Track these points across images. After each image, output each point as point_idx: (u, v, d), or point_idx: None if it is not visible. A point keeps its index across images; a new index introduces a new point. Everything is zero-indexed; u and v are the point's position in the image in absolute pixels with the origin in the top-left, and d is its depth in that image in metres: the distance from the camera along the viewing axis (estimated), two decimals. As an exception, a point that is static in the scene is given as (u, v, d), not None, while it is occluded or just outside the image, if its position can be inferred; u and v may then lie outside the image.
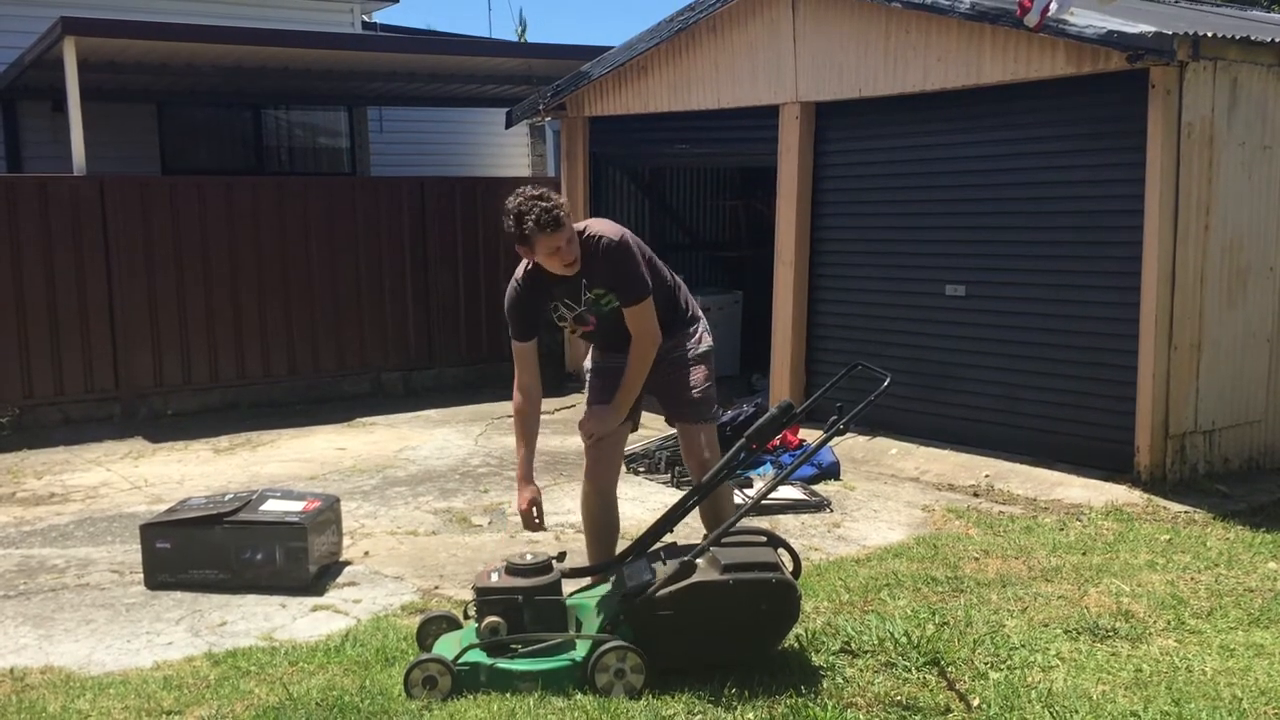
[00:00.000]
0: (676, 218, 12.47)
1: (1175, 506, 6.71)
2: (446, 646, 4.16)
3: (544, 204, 4.28)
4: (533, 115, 11.57)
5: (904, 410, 8.23)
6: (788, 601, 4.11)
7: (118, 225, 9.95)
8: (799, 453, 7.41)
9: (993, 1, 7.40)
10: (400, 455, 8.70)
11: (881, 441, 8.42)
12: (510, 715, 3.81)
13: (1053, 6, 6.71)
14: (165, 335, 10.22)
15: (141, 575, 5.68)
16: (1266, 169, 7.31)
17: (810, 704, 3.88)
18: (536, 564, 4.19)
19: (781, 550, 4.34)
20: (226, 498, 5.97)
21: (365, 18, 15.07)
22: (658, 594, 4.04)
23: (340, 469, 8.26)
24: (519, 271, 4.59)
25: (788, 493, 6.97)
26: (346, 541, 6.22)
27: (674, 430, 7.39)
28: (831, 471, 7.65)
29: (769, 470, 7.46)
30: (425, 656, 4.08)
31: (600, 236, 4.48)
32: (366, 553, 6.20)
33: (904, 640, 4.42)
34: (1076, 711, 3.86)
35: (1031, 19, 6.80)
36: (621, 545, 4.74)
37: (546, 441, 8.54)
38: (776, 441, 6.99)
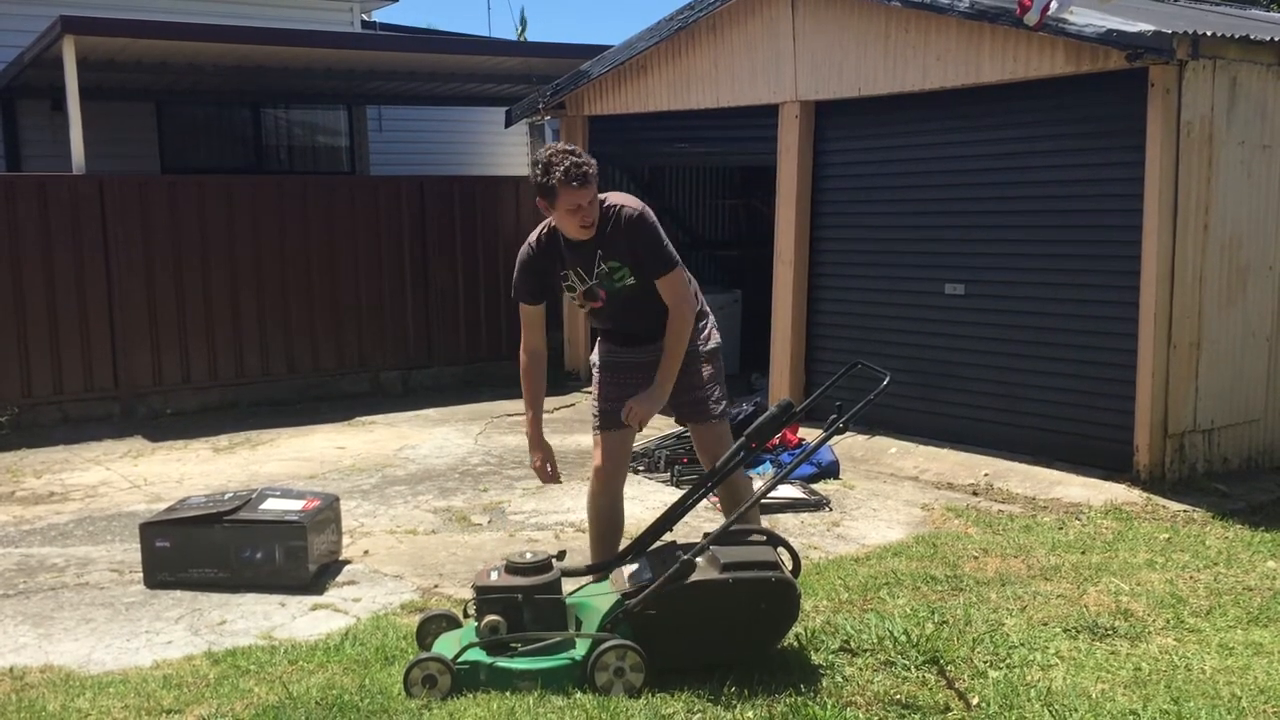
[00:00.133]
0: (676, 217, 12.47)
1: (1174, 505, 6.71)
2: (446, 645, 4.16)
3: (574, 159, 4.30)
4: (532, 114, 11.57)
5: (903, 409, 8.24)
6: (787, 600, 4.11)
7: (117, 224, 9.95)
8: (798, 451, 7.40)
9: (992, 0, 7.40)
10: (399, 454, 8.70)
11: (881, 440, 8.42)
12: (510, 714, 3.81)
13: (1052, 5, 6.72)
14: (164, 334, 10.22)
15: (141, 574, 5.68)
16: (1265, 168, 7.31)
17: (810, 703, 3.88)
18: (536, 562, 4.19)
19: (781, 549, 4.35)
20: (226, 496, 5.97)
21: (365, 16, 15.06)
22: (657, 593, 4.04)
23: (339, 468, 8.26)
24: (533, 235, 4.60)
25: (787, 491, 6.97)
26: (346, 540, 6.22)
27: (673, 430, 7.36)
28: (831, 470, 7.66)
29: (768, 469, 7.46)
30: (425, 655, 4.08)
31: (621, 207, 4.46)
32: (366, 551, 6.20)
33: (903, 639, 4.42)
34: (1075, 710, 3.86)
35: (1031, 18, 6.80)
36: (622, 544, 4.74)
37: (545, 439, 8.48)
38: (776, 440, 6.99)
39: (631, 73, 10.42)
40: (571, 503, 7.12)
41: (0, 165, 12.42)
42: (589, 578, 4.56)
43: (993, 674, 4.18)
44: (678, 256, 4.54)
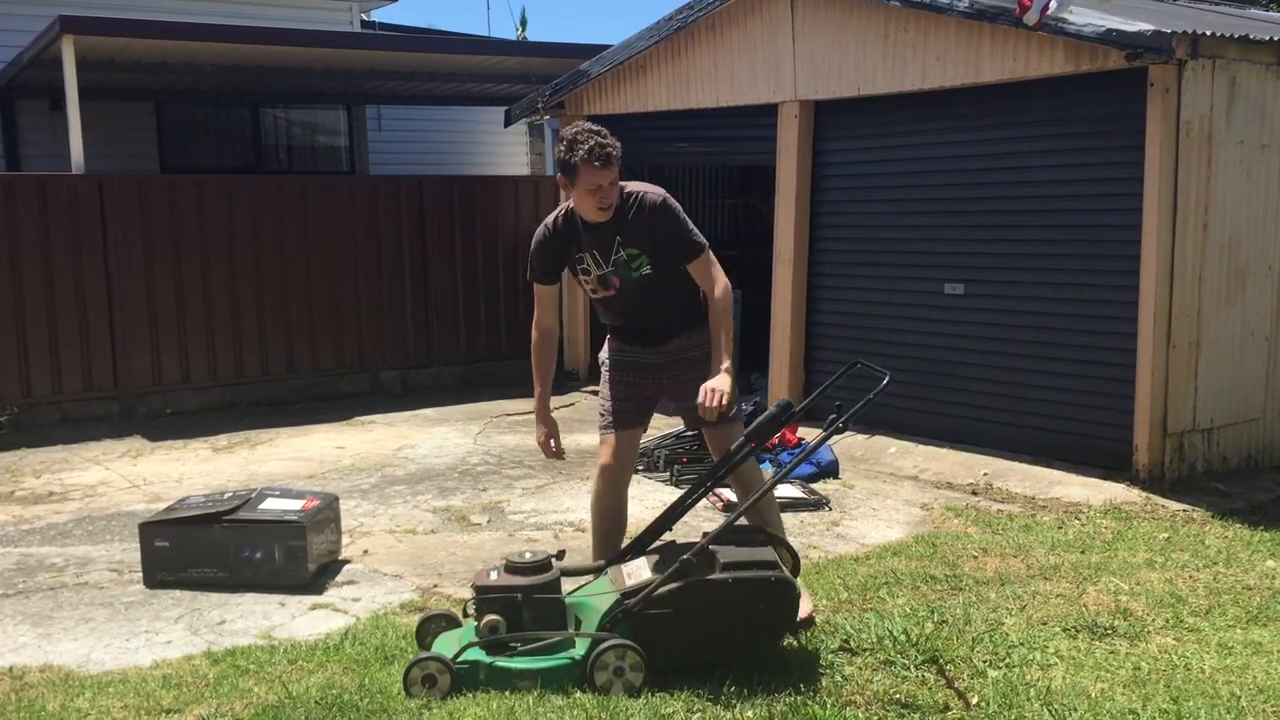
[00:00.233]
0: (675, 216, 12.45)
1: (1174, 505, 6.72)
2: (446, 645, 4.16)
3: (600, 139, 4.30)
4: (531, 114, 11.57)
5: (903, 409, 8.24)
6: (787, 600, 4.12)
7: (116, 224, 9.94)
8: (798, 451, 7.40)
9: (991, 0, 7.40)
10: (399, 454, 8.70)
11: (880, 440, 8.42)
12: (509, 713, 3.81)
13: (1052, 5, 6.72)
14: (164, 334, 10.22)
15: (140, 574, 5.68)
16: (1265, 167, 7.32)
17: (809, 702, 3.88)
18: (535, 562, 4.19)
19: (780, 548, 4.35)
20: (225, 496, 5.96)
21: (364, 16, 15.05)
22: (656, 592, 4.04)
23: (339, 467, 8.26)
24: (550, 216, 4.60)
25: (787, 491, 6.97)
26: (345, 540, 6.22)
27: (673, 430, 7.35)
28: (830, 470, 7.66)
29: (768, 469, 7.45)
30: (424, 655, 4.08)
31: (644, 194, 4.46)
32: (365, 551, 6.20)
33: (903, 638, 4.42)
34: (1075, 709, 3.86)
35: (1031, 17, 6.80)
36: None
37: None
38: (775, 440, 6.99)
39: (631, 72, 10.42)
40: (570, 502, 7.12)
41: (0, 165, 12.43)
42: (588, 577, 4.56)
43: (992, 673, 4.18)
44: (704, 239, 4.52)
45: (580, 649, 4.04)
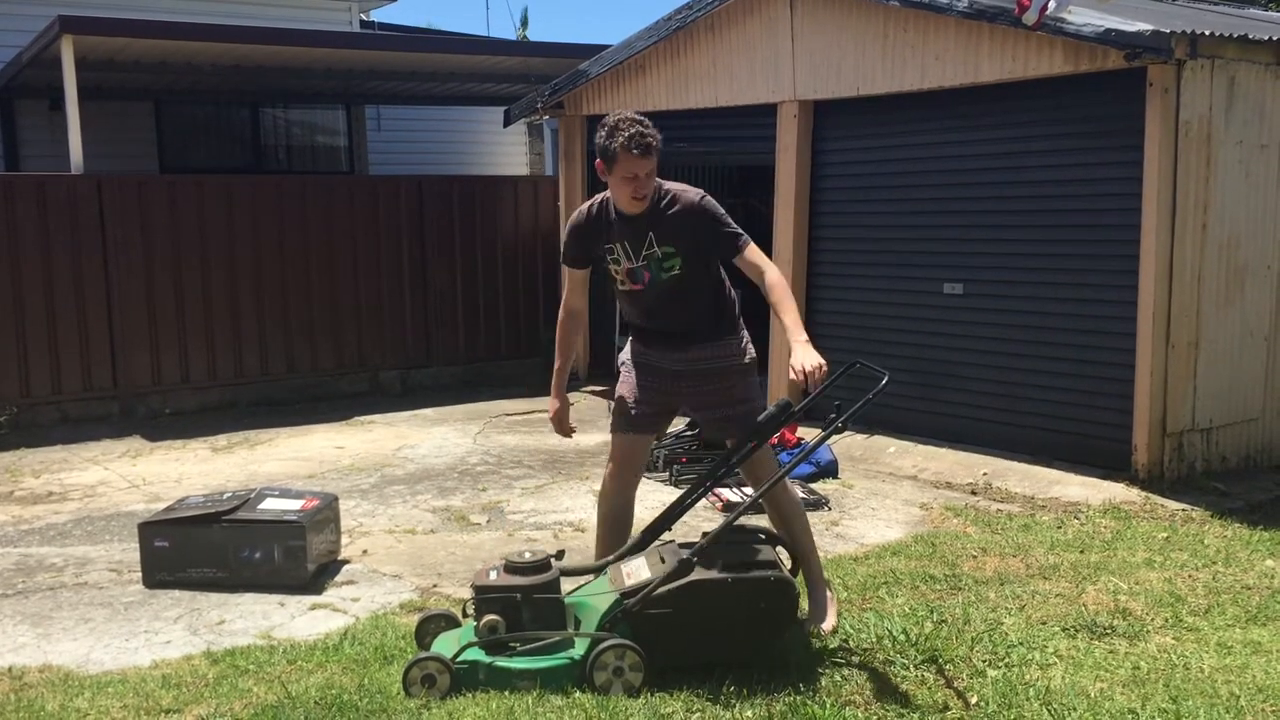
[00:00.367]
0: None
1: (1173, 504, 6.72)
2: (445, 645, 4.16)
3: (641, 127, 4.29)
4: (531, 114, 11.57)
5: (902, 408, 8.24)
6: (786, 599, 4.12)
7: (116, 224, 9.95)
8: (797, 451, 7.40)
9: (990, 0, 7.40)
10: (398, 454, 8.70)
11: (879, 440, 8.42)
12: (509, 713, 3.81)
13: (1051, 5, 6.72)
14: (163, 334, 10.22)
15: (140, 574, 5.68)
16: (1264, 167, 7.32)
17: (809, 702, 3.88)
18: (535, 562, 4.19)
19: (780, 548, 4.35)
20: (225, 496, 5.96)
21: (364, 16, 15.06)
22: (656, 592, 4.04)
23: (338, 467, 8.26)
24: (586, 203, 4.61)
25: (786, 491, 6.96)
26: (345, 540, 6.22)
27: (672, 430, 7.34)
28: (830, 470, 7.66)
29: (767, 468, 7.45)
30: (424, 655, 4.08)
31: (681, 192, 4.45)
32: (365, 551, 6.20)
33: (902, 638, 4.43)
34: (1074, 709, 3.86)
35: (1030, 17, 6.80)
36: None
37: (545, 439, 8.57)
38: (775, 440, 6.98)
39: (630, 72, 10.42)
40: (570, 502, 7.12)
41: (0, 165, 12.45)
42: (588, 577, 4.56)
43: (991, 673, 4.18)
44: (744, 232, 4.50)
45: (580, 649, 4.05)
